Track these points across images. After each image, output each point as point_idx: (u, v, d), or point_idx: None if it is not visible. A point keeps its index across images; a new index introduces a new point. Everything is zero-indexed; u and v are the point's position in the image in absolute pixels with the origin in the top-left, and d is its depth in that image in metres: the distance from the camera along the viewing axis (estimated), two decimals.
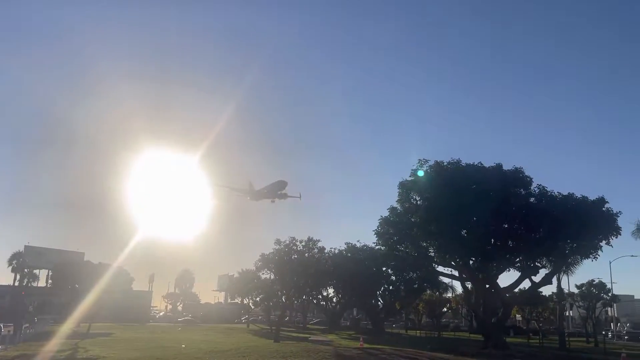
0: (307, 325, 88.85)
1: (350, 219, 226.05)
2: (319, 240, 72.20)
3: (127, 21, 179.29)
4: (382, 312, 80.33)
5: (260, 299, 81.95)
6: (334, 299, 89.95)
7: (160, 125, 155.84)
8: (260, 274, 75.99)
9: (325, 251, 74.61)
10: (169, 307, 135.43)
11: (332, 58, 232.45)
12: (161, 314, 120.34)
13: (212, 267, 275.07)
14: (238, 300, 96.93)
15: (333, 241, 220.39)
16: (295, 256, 67.00)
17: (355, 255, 73.02)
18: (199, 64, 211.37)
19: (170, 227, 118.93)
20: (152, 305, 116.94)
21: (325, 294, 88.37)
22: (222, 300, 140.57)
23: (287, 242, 67.56)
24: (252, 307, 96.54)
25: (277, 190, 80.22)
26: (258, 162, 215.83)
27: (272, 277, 72.82)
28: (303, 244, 69.45)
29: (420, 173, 42.07)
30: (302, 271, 64.88)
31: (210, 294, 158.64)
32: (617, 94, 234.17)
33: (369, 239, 68.62)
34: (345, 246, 76.07)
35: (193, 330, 62.40)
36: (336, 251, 75.63)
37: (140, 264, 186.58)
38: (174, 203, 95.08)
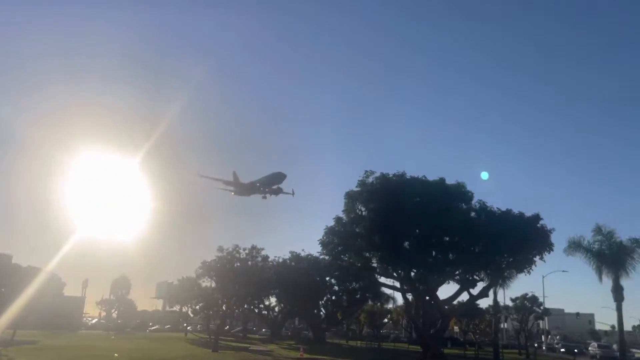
0: (248, 335, 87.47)
1: (298, 227, 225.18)
2: (262, 249, 71.65)
3: (64, 15, 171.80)
4: (323, 322, 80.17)
5: (199, 308, 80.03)
6: (276, 309, 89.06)
7: (99, 125, 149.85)
8: (201, 281, 74.29)
9: (269, 260, 73.90)
10: (103, 314, 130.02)
11: (282, 60, 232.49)
12: (94, 321, 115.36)
13: (151, 273, 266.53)
14: (177, 308, 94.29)
15: (279, 249, 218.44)
16: (238, 264, 66.04)
17: (299, 264, 72.61)
18: (138, 62, 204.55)
19: (108, 231, 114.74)
20: (84, 312, 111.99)
21: (267, 303, 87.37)
22: (160, 308, 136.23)
23: (230, 249, 66.54)
24: (192, 315, 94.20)
25: (272, 184, 71.69)
26: (203, 164, 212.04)
27: (213, 285, 71.32)
28: (246, 251, 68.60)
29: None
30: (244, 279, 63.90)
31: (148, 302, 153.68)
32: (557, 112, 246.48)
33: (314, 248, 68.48)
34: (290, 255, 75.61)
35: (127, 338, 59.96)
36: (280, 260, 75.02)
37: (74, 268, 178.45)
38: (111, 206, 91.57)
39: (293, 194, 72.31)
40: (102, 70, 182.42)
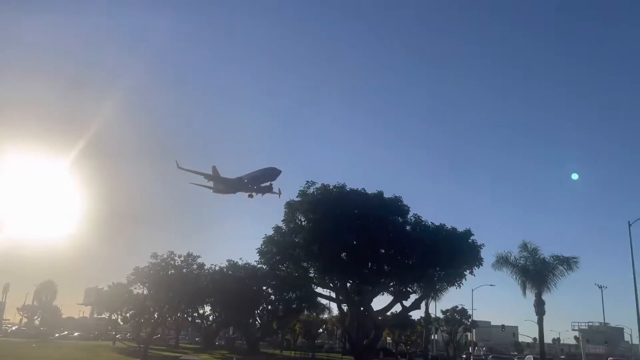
0: (180, 344, 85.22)
1: (239, 235, 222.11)
2: (199, 256, 70.07)
3: None
4: (258, 332, 79.42)
5: (130, 315, 77.13)
6: (211, 317, 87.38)
7: (24, 124, 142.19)
8: (133, 288, 71.70)
9: (205, 267, 72.53)
10: (25, 320, 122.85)
11: (221, 62, 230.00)
12: (14, 328, 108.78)
13: (79, 279, 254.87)
14: (106, 315, 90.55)
15: (217, 257, 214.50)
16: (173, 271, 64.35)
17: (236, 273, 71.70)
18: (67, 59, 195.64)
19: (33, 233, 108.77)
20: (4, 318, 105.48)
21: (201, 311, 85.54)
22: (87, 315, 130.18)
23: (165, 256, 64.75)
24: (121, 323, 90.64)
25: (263, 181, 64.47)
26: (136, 164, 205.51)
27: (146, 292, 69.05)
28: (182, 259, 66.97)
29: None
30: (179, 287, 62.29)
31: (75, 308, 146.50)
32: (488, 131, 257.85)
33: (253, 257, 67.96)
34: (227, 263, 74.54)
35: (51, 347, 56.90)
36: (217, 268, 73.80)
37: None
38: (37, 207, 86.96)
39: (280, 194, 64.88)
40: (29, 67, 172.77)
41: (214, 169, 66.49)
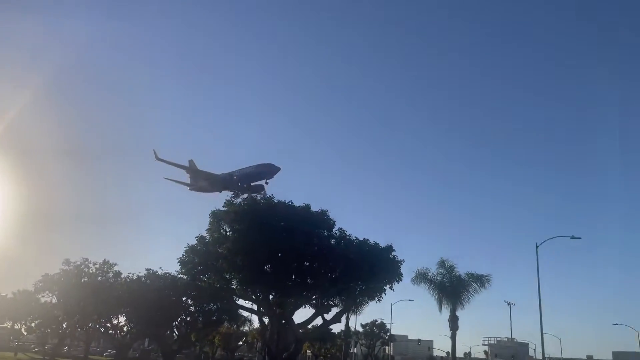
0: (90, 356, 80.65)
1: (160, 244, 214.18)
2: (115, 264, 67.04)
3: None
4: (175, 344, 76.81)
5: (36, 325, 72.25)
6: (125, 328, 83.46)
7: None
8: (40, 296, 67.28)
9: (122, 276, 69.41)
10: None
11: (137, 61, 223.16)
12: None
13: None
14: (8, 324, 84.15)
15: (136, 265, 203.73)
16: (86, 279, 61.10)
17: (155, 282, 69.08)
18: None
19: None
20: None
21: (115, 322, 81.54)
22: None
23: (79, 263, 61.42)
24: (25, 333, 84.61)
25: (256, 179, 56.03)
26: (52, 162, 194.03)
27: (55, 300, 65.01)
28: (97, 266, 63.82)
29: None
30: (92, 296, 59.14)
31: None
32: (406, 151, 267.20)
33: (174, 266, 65.75)
34: (146, 272, 71.71)
35: None
36: (134, 277, 70.77)
37: None
38: None
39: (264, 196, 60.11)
40: None
41: (192, 162, 59.37)
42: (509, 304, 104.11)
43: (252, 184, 57.79)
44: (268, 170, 56.06)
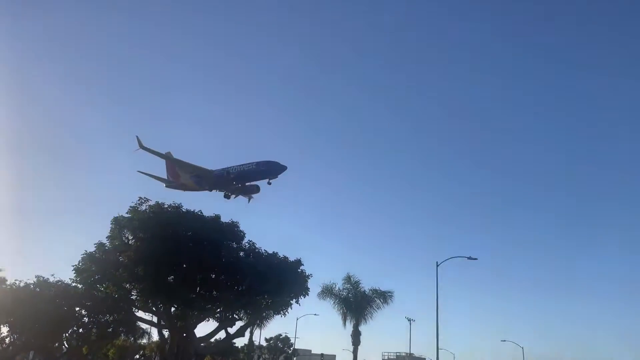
0: None
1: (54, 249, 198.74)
2: (1, 270, 61.62)
3: None
4: (63, 357, 71.78)
5: None
6: (7, 340, 76.70)
7: None
8: None
9: (8, 283, 63.89)
10: None
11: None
12: None
13: None
14: None
15: (25, 272, 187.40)
16: None
17: (45, 290, 64.29)
18: None
19: None
20: None
21: None
22: None
23: None
24: None
25: (256, 178, 50.51)
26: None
27: None
28: None
29: None
30: None
31: None
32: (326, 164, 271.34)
33: (67, 274, 61.55)
34: (36, 279, 66.54)
35: None
36: (22, 284, 65.39)
37: None
38: None
39: (250, 200, 54.22)
40: None
41: (169, 154, 52.60)
42: (409, 320, 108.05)
43: (247, 184, 53.16)
44: (272, 170, 50.23)
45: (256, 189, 53.70)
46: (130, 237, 41.34)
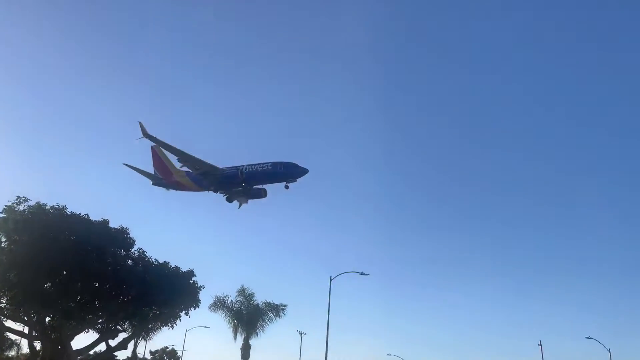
0: None
1: None
2: None
3: None
4: None
5: None
6: None
7: None
8: None
9: None
10: None
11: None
12: None
13: None
14: None
15: None
16: None
17: None
18: None
19: None
20: None
21: None
22: None
23: None
24: None
25: (268, 181, 45.46)
26: None
27: None
28: None
29: None
30: None
31: None
32: None
33: None
34: None
35: None
36: None
37: None
38: None
39: (245, 203, 50.09)
40: None
41: (157, 150, 47.33)
42: (300, 333, 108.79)
43: (255, 187, 48.21)
44: (292, 172, 44.75)
45: (263, 193, 49.17)
46: (3, 240, 37.70)
